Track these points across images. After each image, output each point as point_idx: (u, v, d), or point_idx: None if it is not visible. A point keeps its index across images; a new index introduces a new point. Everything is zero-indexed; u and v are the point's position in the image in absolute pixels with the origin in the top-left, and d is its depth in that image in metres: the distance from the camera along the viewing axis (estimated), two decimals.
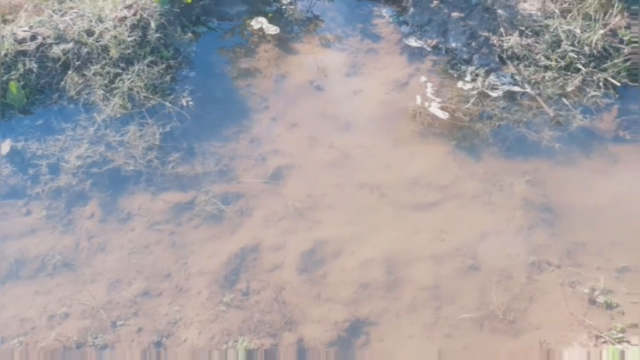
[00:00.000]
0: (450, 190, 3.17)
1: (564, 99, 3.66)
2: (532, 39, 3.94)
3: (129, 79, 3.49)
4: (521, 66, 3.85)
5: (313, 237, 2.94)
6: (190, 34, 3.88)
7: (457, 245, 2.92)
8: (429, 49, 4.01)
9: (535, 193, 3.16)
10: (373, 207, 3.10)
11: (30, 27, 3.67)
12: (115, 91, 3.45)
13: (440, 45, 4.02)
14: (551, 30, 3.92)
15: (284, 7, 4.21)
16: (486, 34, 4.03)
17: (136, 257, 2.86)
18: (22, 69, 3.46)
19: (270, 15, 4.12)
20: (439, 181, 3.21)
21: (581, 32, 3.87)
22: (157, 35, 3.65)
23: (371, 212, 3.10)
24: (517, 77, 3.80)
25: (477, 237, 2.96)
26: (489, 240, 2.95)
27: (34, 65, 3.48)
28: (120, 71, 3.52)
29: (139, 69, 3.52)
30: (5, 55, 3.46)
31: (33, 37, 3.60)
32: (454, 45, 4.01)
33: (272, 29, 4.03)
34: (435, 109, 3.60)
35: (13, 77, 3.43)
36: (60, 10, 3.78)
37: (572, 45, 3.85)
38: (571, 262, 2.88)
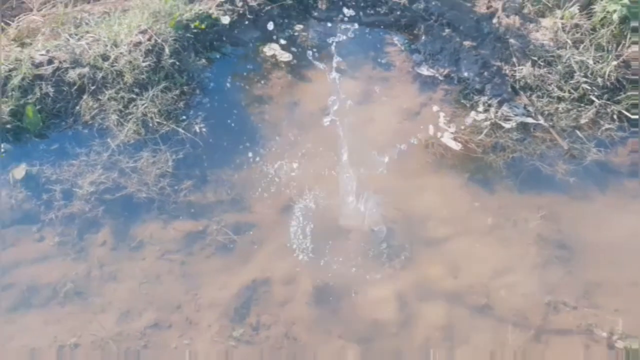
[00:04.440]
0: (463, 225, 3.15)
1: (578, 132, 3.65)
2: (545, 69, 3.94)
3: (143, 105, 3.51)
4: (534, 97, 3.84)
5: (325, 271, 2.93)
6: (204, 60, 3.90)
7: (471, 282, 2.89)
8: (441, 77, 4.01)
9: (550, 229, 3.13)
10: (383, 240, 3.09)
11: (47, 51, 3.70)
12: (129, 116, 3.47)
13: (453, 75, 4.02)
14: (564, 60, 3.92)
15: (296, 34, 4.23)
16: (498, 63, 4.03)
17: (147, 287, 2.85)
18: (38, 93, 3.49)
19: (283, 41, 4.14)
20: (451, 215, 3.19)
21: (594, 63, 3.87)
22: (172, 60, 3.68)
23: (381, 244, 3.08)
24: (530, 108, 3.79)
25: (490, 274, 2.92)
26: (503, 278, 2.91)
27: (51, 90, 3.51)
28: (134, 96, 3.55)
29: (153, 95, 3.54)
30: (23, 79, 3.49)
31: (50, 61, 3.64)
32: (466, 74, 4.01)
33: (285, 56, 4.05)
34: (447, 139, 3.59)
35: (30, 100, 3.46)
36: (76, 35, 3.82)
37: (585, 76, 3.85)
38: (588, 303, 2.83)
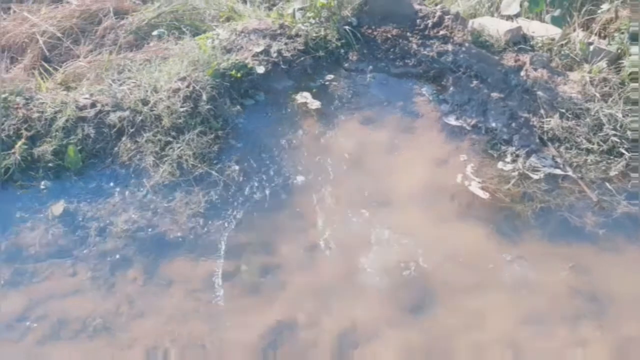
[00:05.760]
0: (490, 274, 3.12)
1: (607, 184, 3.62)
2: (573, 121, 3.96)
3: (178, 147, 3.64)
4: (562, 149, 3.85)
5: (349, 316, 2.92)
6: (238, 106, 4.05)
7: (498, 334, 2.83)
8: (468, 128, 4.06)
9: (580, 280, 3.07)
10: (410, 288, 3.07)
11: (91, 95, 3.92)
12: (165, 158, 3.60)
13: (480, 125, 4.06)
14: (592, 113, 3.95)
15: (327, 83, 4.38)
16: (526, 115, 4.07)
17: (173, 324, 2.88)
18: (80, 134, 3.67)
19: (314, 90, 4.28)
20: (479, 264, 3.17)
21: (623, 116, 3.89)
22: (208, 106, 3.84)
23: (408, 292, 3.06)
24: (558, 160, 3.79)
25: (519, 326, 2.86)
26: (531, 330, 2.84)
27: (92, 131, 3.69)
28: (171, 139, 3.69)
29: (189, 138, 3.69)
30: (67, 120, 3.69)
31: (93, 105, 3.84)
32: (493, 125, 4.05)
33: (316, 104, 4.18)
34: (475, 188, 3.61)
35: (72, 141, 3.64)
36: (119, 80, 4.04)
37: (615, 129, 3.86)
38: (621, 359, 2.75)
